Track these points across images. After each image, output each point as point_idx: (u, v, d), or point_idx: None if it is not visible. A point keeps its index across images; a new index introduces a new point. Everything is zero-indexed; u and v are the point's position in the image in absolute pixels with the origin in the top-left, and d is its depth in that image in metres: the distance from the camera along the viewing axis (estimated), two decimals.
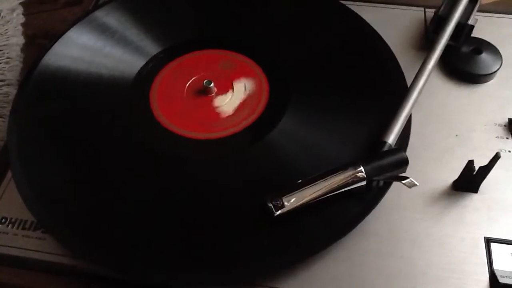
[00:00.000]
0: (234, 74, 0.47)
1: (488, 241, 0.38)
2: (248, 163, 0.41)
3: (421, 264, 0.37)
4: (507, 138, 0.44)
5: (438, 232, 0.38)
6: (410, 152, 0.40)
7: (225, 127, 0.43)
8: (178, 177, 0.40)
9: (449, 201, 0.40)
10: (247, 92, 0.45)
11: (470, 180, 0.40)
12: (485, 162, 0.38)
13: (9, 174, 0.42)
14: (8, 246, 0.38)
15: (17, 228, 0.39)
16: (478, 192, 0.40)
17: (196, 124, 0.43)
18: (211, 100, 0.45)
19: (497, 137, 0.44)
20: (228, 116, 0.44)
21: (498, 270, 0.36)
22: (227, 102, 0.45)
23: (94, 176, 0.40)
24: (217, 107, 0.45)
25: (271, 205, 0.35)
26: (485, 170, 0.38)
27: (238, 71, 0.47)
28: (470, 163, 0.39)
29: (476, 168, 0.39)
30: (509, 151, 0.43)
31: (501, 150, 0.43)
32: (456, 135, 0.44)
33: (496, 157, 0.37)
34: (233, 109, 0.44)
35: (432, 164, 0.42)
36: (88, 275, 0.37)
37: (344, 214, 0.37)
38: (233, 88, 0.46)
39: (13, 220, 0.40)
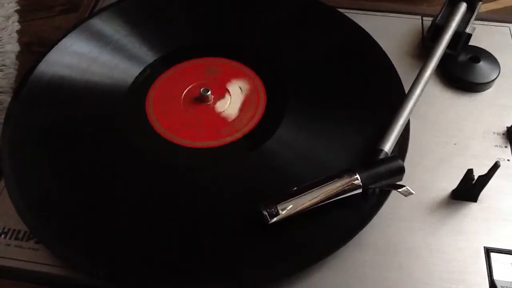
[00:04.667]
0: (226, 78, 0.47)
1: (488, 251, 0.37)
2: (245, 171, 0.40)
3: (420, 275, 0.36)
4: (506, 147, 0.43)
5: (436, 242, 0.38)
6: (408, 161, 0.40)
7: (223, 136, 0.43)
8: (174, 186, 0.39)
9: (448, 211, 0.40)
10: (244, 92, 0.45)
11: (469, 189, 0.39)
12: (484, 171, 0.38)
13: (1, 183, 0.41)
14: (0, 257, 0.38)
15: (10, 238, 0.38)
16: (477, 201, 0.40)
17: (192, 132, 0.43)
18: (211, 107, 0.45)
19: (495, 145, 0.44)
20: (227, 123, 0.43)
21: (498, 280, 0.36)
22: (228, 106, 0.45)
23: (88, 186, 0.39)
24: (219, 113, 0.44)
25: (265, 212, 0.35)
26: (484, 179, 0.38)
27: (230, 75, 0.47)
28: (469, 172, 0.38)
29: (475, 177, 0.39)
30: (508, 160, 0.43)
31: (499, 159, 0.42)
32: (455, 144, 0.44)
33: (496, 166, 0.36)
34: (236, 112, 0.44)
35: (431, 173, 0.42)
36: (80, 286, 0.36)
37: (342, 225, 0.37)
38: (229, 92, 0.46)
39: (5, 230, 0.39)
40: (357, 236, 0.36)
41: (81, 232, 0.37)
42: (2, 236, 0.39)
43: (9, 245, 0.38)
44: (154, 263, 0.35)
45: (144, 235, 0.37)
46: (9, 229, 0.39)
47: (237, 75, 0.47)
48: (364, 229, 0.37)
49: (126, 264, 0.35)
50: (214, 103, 0.45)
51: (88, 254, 0.36)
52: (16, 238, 0.38)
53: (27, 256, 0.38)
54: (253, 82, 0.46)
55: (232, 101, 0.45)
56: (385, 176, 0.37)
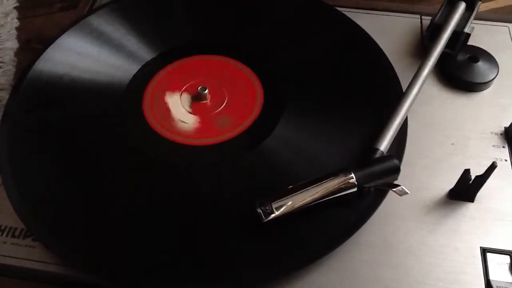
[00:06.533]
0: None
1: (484, 251, 0.38)
2: (242, 169, 0.40)
3: (417, 274, 0.36)
4: (503, 147, 0.43)
5: (433, 242, 0.38)
6: (405, 160, 0.40)
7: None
8: (172, 183, 0.39)
9: (445, 210, 0.40)
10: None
11: (466, 189, 0.39)
12: (481, 170, 0.38)
13: None
14: None
15: (7, 235, 0.38)
16: (474, 201, 0.40)
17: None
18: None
19: (493, 145, 0.44)
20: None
21: (494, 280, 0.36)
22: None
23: (86, 183, 0.39)
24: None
25: (260, 211, 0.35)
26: (482, 179, 0.38)
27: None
28: (466, 172, 0.39)
29: (472, 177, 0.39)
30: (505, 160, 0.43)
31: (497, 159, 0.42)
32: (452, 144, 0.44)
33: (493, 167, 0.37)
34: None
35: (428, 172, 0.42)
36: (78, 284, 0.36)
37: (339, 224, 0.37)
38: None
39: (2, 227, 0.39)
40: (354, 235, 0.36)
41: (78, 229, 0.37)
42: None
43: (5, 242, 0.38)
44: (153, 262, 0.35)
45: (143, 234, 0.36)
46: (6, 227, 0.39)
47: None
48: (361, 228, 0.37)
49: (123, 261, 0.35)
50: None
51: (85, 251, 0.36)
52: (13, 236, 0.38)
53: (24, 254, 0.38)
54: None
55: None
56: (380, 175, 0.37)
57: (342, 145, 0.41)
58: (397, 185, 0.36)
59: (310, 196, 0.35)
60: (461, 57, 0.49)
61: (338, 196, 0.36)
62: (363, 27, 0.50)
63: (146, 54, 0.48)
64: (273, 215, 0.35)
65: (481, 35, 0.51)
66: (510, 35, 0.53)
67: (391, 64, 0.46)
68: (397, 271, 0.37)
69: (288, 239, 0.36)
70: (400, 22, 0.54)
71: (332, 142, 0.42)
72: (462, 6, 0.49)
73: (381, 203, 0.38)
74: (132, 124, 0.43)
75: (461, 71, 0.48)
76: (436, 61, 0.45)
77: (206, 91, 0.45)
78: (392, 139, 0.39)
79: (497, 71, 0.48)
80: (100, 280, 0.35)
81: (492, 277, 0.36)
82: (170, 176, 0.40)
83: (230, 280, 0.35)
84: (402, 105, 0.41)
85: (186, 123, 0.43)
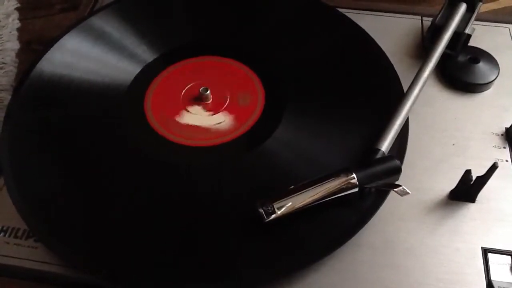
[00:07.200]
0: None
1: (485, 251, 0.38)
2: (244, 170, 0.40)
3: (417, 275, 0.36)
4: (504, 148, 0.44)
5: (434, 242, 0.38)
6: (407, 161, 0.40)
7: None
8: (172, 184, 0.39)
9: (446, 211, 0.40)
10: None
11: (467, 189, 0.39)
12: (482, 171, 0.38)
13: (1, 181, 0.41)
14: None
15: (9, 236, 0.38)
16: (475, 202, 0.40)
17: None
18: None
19: (494, 146, 0.44)
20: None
21: (495, 281, 0.36)
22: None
23: (87, 184, 0.39)
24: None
25: (261, 211, 0.35)
26: (483, 180, 0.38)
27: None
28: (467, 172, 0.39)
29: (474, 178, 0.39)
30: (506, 161, 0.43)
31: (498, 160, 0.42)
32: (453, 144, 0.44)
33: (494, 167, 0.37)
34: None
35: (429, 173, 0.42)
36: (79, 284, 0.36)
37: (340, 225, 0.37)
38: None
39: (4, 228, 0.39)
40: (355, 236, 0.36)
41: (80, 230, 0.37)
42: (1, 234, 0.39)
43: (8, 243, 0.38)
44: (153, 263, 0.35)
45: (144, 234, 0.37)
46: (8, 227, 0.39)
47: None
48: (362, 229, 0.37)
49: (125, 262, 0.35)
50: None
51: (87, 252, 0.36)
52: (16, 236, 0.38)
53: (26, 254, 0.38)
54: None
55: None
56: (381, 176, 0.37)
57: (343, 145, 0.41)
58: (398, 185, 0.36)
59: (312, 196, 0.35)
60: (461, 58, 0.49)
61: (339, 196, 0.36)
62: (364, 28, 0.50)
63: (147, 55, 0.48)
64: (274, 215, 0.35)
65: (482, 36, 0.51)
66: (511, 36, 0.53)
67: (391, 65, 0.46)
68: (398, 271, 0.37)
69: (289, 239, 0.36)
70: (401, 23, 0.54)
71: (332, 142, 0.42)
72: (463, 7, 0.49)
73: (382, 203, 0.38)
74: (133, 125, 0.43)
75: (462, 72, 0.48)
76: (437, 62, 0.46)
77: (208, 91, 0.45)
78: (393, 139, 0.40)
79: (497, 72, 0.48)
80: (100, 280, 0.35)
81: (493, 277, 0.36)
82: (170, 177, 0.40)
83: (230, 280, 0.35)
84: (403, 106, 0.41)
85: (220, 123, 0.44)
